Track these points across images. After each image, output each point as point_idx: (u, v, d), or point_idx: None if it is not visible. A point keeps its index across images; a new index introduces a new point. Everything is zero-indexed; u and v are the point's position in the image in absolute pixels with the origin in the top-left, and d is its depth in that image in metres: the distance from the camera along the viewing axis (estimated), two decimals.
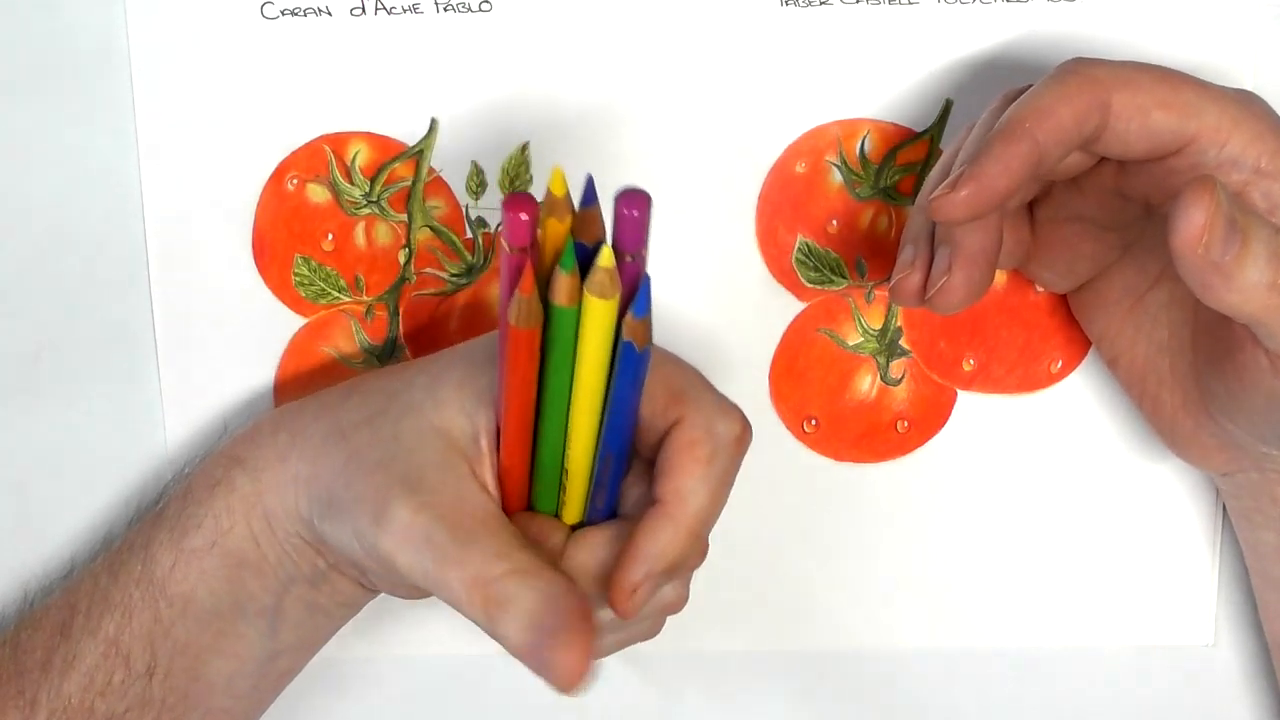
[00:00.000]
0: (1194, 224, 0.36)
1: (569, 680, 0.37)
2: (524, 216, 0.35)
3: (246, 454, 0.44)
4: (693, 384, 0.41)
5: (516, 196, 0.35)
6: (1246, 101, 0.40)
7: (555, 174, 0.36)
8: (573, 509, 0.42)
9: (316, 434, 0.43)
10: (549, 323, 0.37)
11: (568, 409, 0.39)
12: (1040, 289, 0.48)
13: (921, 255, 0.42)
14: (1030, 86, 0.41)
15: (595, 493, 0.41)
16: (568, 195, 0.36)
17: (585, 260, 0.36)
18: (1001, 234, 0.42)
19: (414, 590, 0.42)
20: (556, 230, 0.36)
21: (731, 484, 0.41)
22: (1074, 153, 0.41)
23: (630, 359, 0.37)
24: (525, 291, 0.36)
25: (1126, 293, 0.45)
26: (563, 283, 0.36)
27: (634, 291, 0.36)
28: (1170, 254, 0.37)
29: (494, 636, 0.38)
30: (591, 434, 0.39)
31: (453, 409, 0.41)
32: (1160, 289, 0.44)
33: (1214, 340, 0.42)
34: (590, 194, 0.36)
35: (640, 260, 0.36)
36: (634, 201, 0.35)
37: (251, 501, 0.43)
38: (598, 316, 0.36)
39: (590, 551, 0.41)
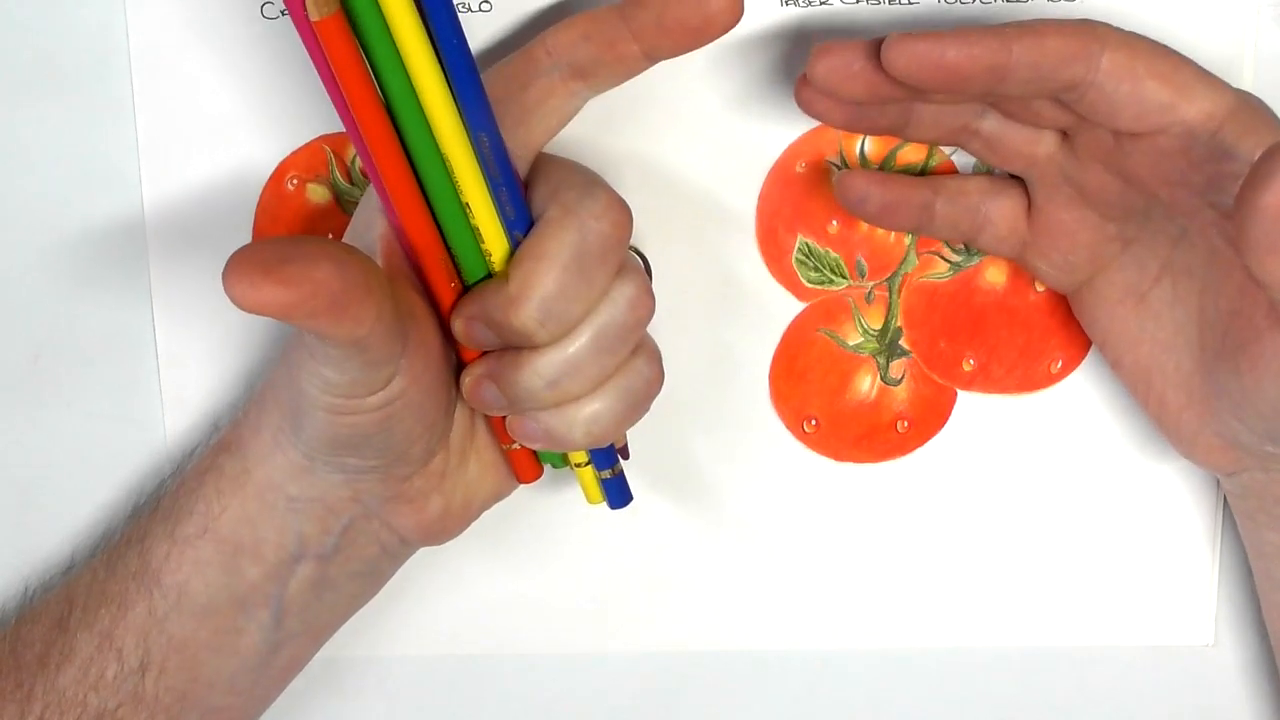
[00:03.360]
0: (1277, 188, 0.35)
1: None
2: None
3: (230, 437, 0.44)
4: (576, 177, 0.41)
5: None
6: (1244, 96, 0.40)
7: None
8: (496, 248, 0.41)
9: (270, 383, 0.43)
10: (348, 10, 0.36)
11: (421, 121, 0.38)
12: (1040, 288, 0.48)
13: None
14: None
15: (498, 198, 0.40)
16: None
17: None
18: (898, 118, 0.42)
19: (418, 471, 0.43)
20: None
21: (589, 271, 0.40)
22: (1064, 114, 0.41)
23: (438, 6, 0.36)
24: None
25: (1128, 292, 0.45)
26: None
27: None
28: (1244, 212, 0.36)
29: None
30: (457, 131, 0.38)
31: (349, 235, 0.42)
32: (1162, 287, 0.44)
33: (1226, 334, 0.42)
34: None
35: None
36: None
37: (241, 481, 0.43)
38: None
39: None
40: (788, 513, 0.50)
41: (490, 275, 0.42)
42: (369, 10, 0.36)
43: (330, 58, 0.36)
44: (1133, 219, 0.44)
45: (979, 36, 0.39)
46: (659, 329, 0.47)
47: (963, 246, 0.48)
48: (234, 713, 0.46)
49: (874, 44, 0.40)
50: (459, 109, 0.38)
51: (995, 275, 0.48)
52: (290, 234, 0.48)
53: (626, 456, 0.47)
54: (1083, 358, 0.49)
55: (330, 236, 0.48)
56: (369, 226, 0.42)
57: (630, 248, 0.43)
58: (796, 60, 0.46)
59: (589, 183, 0.41)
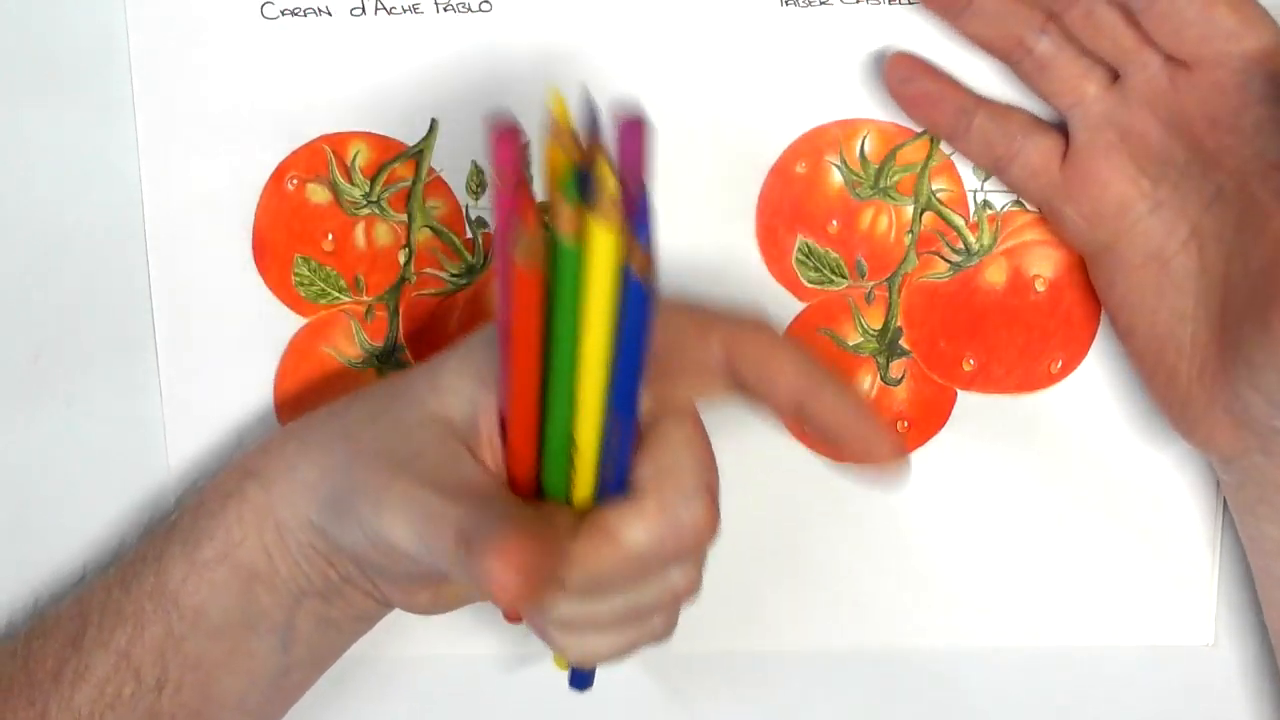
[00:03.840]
0: None
1: (498, 586, 0.34)
2: (511, 140, 0.33)
3: (258, 466, 0.44)
4: (688, 474, 0.40)
5: (503, 123, 0.33)
6: None
7: (554, 97, 0.34)
8: (583, 488, 0.40)
9: (323, 439, 0.43)
10: (550, 263, 0.35)
11: (573, 370, 0.37)
12: (1040, 288, 0.48)
13: None
14: None
15: (604, 467, 0.39)
16: (569, 121, 0.34)
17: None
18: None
19: (422, 587, 0.42)
20: (557, 159, 0.33)
21: (649, 569, 0.40)
22: (1126, 35, 0.41)
23: (637, 296, 0.35)
24: (528, 222, 0.33)
25: (1151, 257, 0.44)
26: (564, 209, 0.33)
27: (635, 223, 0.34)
28: None
29: (470, 577, 0.36)
30: (599, 393, 0.37)
31: (450, 393, 0.41)
32: (1188, 254, 0.43)
33: (1255, 292, 0.41)
34: (589, 118, 0.34)
35: (641, 189, 0.34)
36: (632, 127, 0.33)
37: (264, 513, 0.43)
38: (602, 248, 0.33)
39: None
40: (788, 513, 0.50)
41: (565, 499, 0.40)
42: (569, 277, 0.35)
43: (515, 302, 0.35)
44: (1169, 176, 0.43)
45: None
46: None
47: (969, 237, 0.48)
48: None
49: None
50: (609, 391, 0.37)
51: (995, 275, 0.48)
52: (289, 233, 0.48)
53: (590, 685, 0.48)
54: (1083, 358, 0.49)
55: (330, 237, 0.48)
56: (475, 393, 0.40)
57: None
58: (796, 60, 0.46)
59: (696, 486, 0.39)
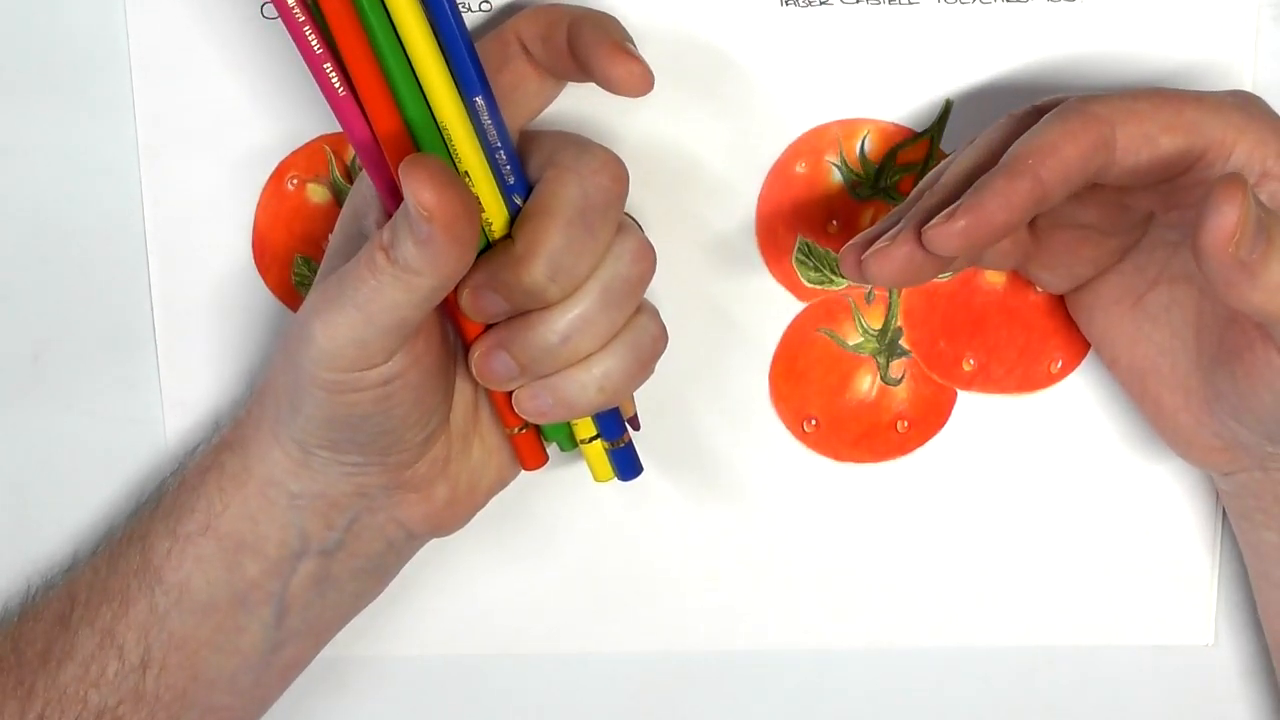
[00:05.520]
0: (1227, 222, 0.36)
1: (416, 195, 0.37)
2: None
3: (233, 437, 0.44)
4: (569, 139, 0.42)
5: None
6: (1246, 105, 0.40)
7: None
8: (496, 217, 0.41)
9: (268, 370, 0.44)
10: None
11: (414, 83, 0.39)
12: (1039, 289, 0.48)
13: (878, 233, 0.41)
14: (1033, 106, 0.41)
15: (495, 164, 0.41)
16: None
17: None
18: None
19: (425, 459, 0.43)
20: None
21: (593, 225, 0.41)
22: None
23: None
24: None
25: (1125, 293, 0.45)
26: None
27: None
28: (1195, 251, 0.37)
29: (409, 229, 0.38)
30: (448, 83, 0.39)
31: (349, 212, 0.43)
32: (1159, 290, 0.44)
33: (1221, 340, 0.42)
34: None
35: None
36: None
37: (242, 479, 0.43)
38: None
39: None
40: (788, 513, 0.50)
41: (491, 245, 0.42)
42: None
43: (331, 25, 0.37)
44: (1137, 227, 0.44)
45: (1008, 184, 0.38)
46: None
47: None
48: (234, 712, 0.46)
49: (912, 229, 0.39)
50: (454, 76, 0.39)
51: (995, 275, 0.48)
52: (289, 233, 0.48)
53: (637, 427, 0.46)
54: (1083, 358, 0.49)
55: (330, 236, 0.48)
56: (364, 214, 0.42)
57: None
58: (796, 60, 0.46)
59: (583, 142, 0.42)
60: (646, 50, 0.46)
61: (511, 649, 0.51)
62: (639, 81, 0.41)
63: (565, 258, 0.40)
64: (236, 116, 0.47)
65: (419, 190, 0.36)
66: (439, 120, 0.39)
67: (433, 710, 0.52)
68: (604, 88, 0.41)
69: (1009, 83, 0.46)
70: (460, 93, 0.39)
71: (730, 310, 0.48)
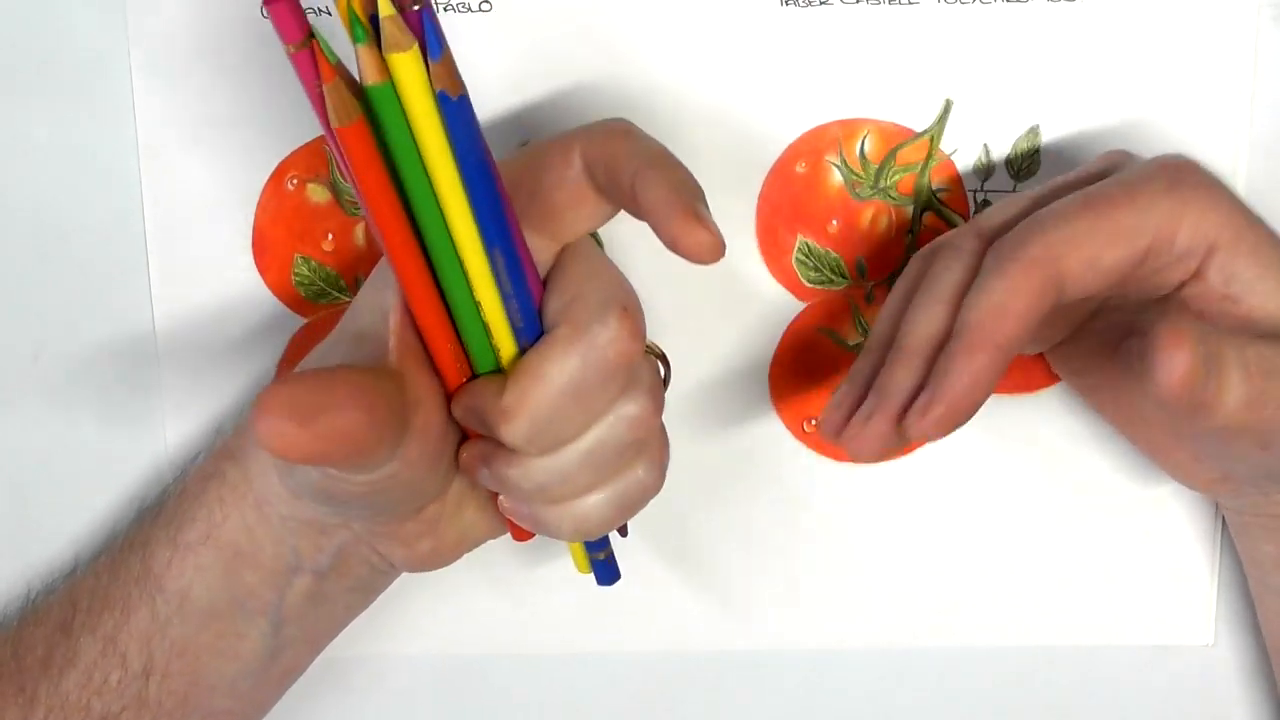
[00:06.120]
0: (1178, 372, 0.36)
1: (262, 431, 0.35)
2: (286, 4, 0.34)
3: (235, 446, 0.44)
4: (594, 293, 0.40)
5: None
6: (1175, 184, 0.40)
7: None
8: (505, 347, 0.40)
9: None
10: (370, 112, 0.35)
11: (438, 215, 0.37)
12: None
13: (855, 396, 0.41)
14: (947, 234, 0.42)
15: (508, 308, 0.39)
16: None
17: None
18: None
19: (414, 525, 0.42)
20: (343, 8, 0.34)
21: (587, 398, 0.39)
22: None
23: (450, 110, 0.35)
24: (328, 79, 0.34)
25: (1102, 344, 0.45)
26: (362, 55, 0.34)
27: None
28: (1153, 393, 0.37)
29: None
30: (470, 227, 0.38)
31: (362, 310, 0.41)
32: (1134, 340, 0.44)
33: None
34: None
35: (421, 9, 0.34)
36: None
37: (242, 491, 0.43)
38: (409, 75, 0.35)
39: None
40: (788, 513, 0.50)
41: (498, 369, 0.41)
42: (393, 120, 0.36)
43: (351, 162, 0.36)
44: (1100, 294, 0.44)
45: (970, 362, 0.38)
46: (660, 329, 0.47)
47: None
48: (234, 715, 0.46)
49: (887, 415, 0.39)
50: (476, 223, 0.38)
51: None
52: (289, 233, 0.48)
53: (624, 534, 0.47)
54: None
55: (330, 237, 0.48)
56: (382, 298, 0.41)
57: (649, 347, 0.42)
58: (796, 60, 0.46)
59: (604, 302, 0.39)
60: (646, 49, 0.47)
61: (511, 649, 0.51)
62: (709, 253, 0.38)
63: (550, 425, 0.39)
64: (236, 116, 0.47)
65: (257, 432, 0.35)
66: (459, 257, 0.38)
67: (433, 710, 0.52)
68: (668, 247, 0.39)
69: (1009, 83, 0.46)
70: (481, 239, 0.38)
71: (730, 310, 0.48)
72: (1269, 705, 0.51)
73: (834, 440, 0.41)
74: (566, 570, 0.50)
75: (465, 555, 0.49)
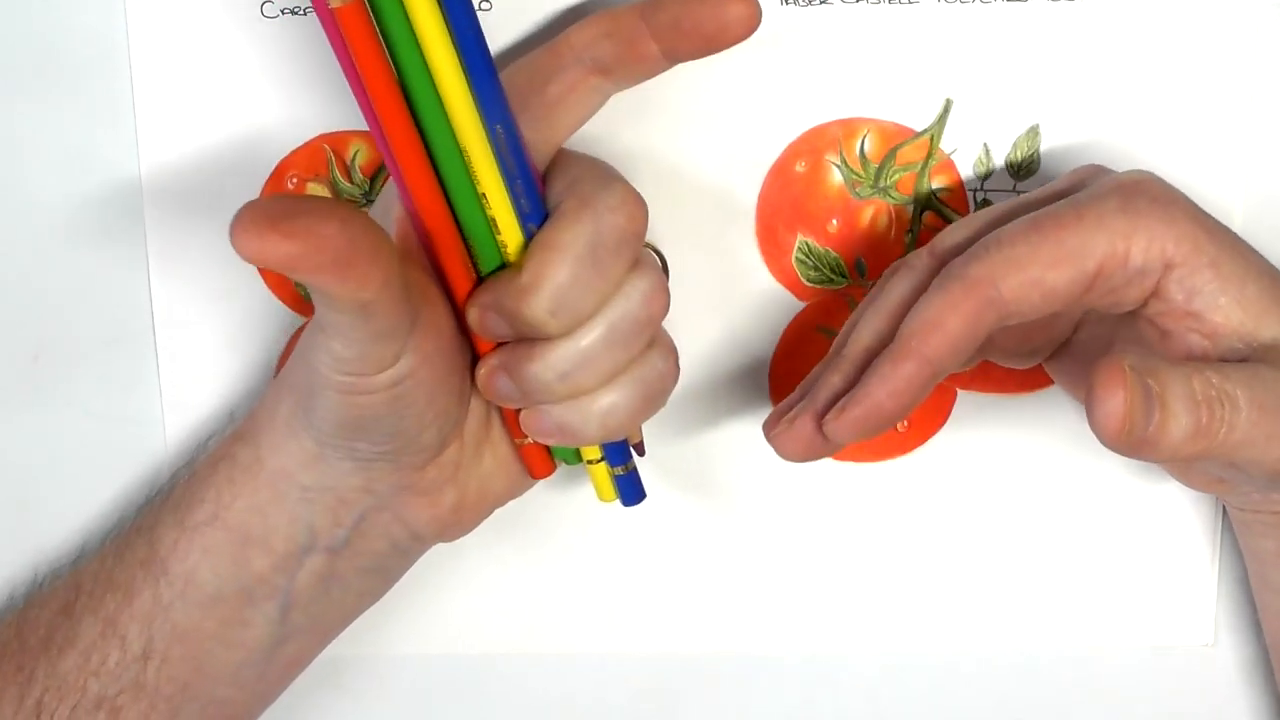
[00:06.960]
0: (1114, 416, 0.36)
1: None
2: None
3: (245, 427, 0.44)
4: (593, 170, 0.41)
5: None
6: (1129, 202, 0.40)
7: None
8: (511, 239, 0.41)
9: (289, 367, 0.44)
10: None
11: (436, 99, 0.38)
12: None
13: (797, 400, 0.42)
14: (930, 250, 0.42)
15: (513, 190, 0.40)
16: None
17: None
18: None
19: (434, 461, 0.43)
20: None
21: (603, 263, 0.40)
22: None
23: None
24: None
25: (1091, 354, 0.45)
26: None
27: None
28: (1094, 432, 0.37)
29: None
30: (471, 113, 0.38)
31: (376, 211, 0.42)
32: (1118, 349, 0.44)
33: None
34: None
35: None
36: None
37: (254, 470, 0.43)
38: None
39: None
40: (788, 513, 0.50)
41: (505, 265, 0.41)
42: (389, 1, 0.36)
43: (350, 45, 0.36)
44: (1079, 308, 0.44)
45: (894, 370, 0.39)
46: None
47: None
48: (236, 707, 0.46)
49: (811, 415, 0.40)
50: (476, 101, 0.39)
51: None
52: None
53: (642, 453, 0.46)
54: None
55: None
56: (386, 211, 0.42)
57: (647, 245, 0.43)
58: (796, 60, 0.46)
59: (606, 176, 0.41)
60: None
61: (512, 649, 0.51)
62: (747, 23, 0.39)
63: (570, 294, 0.40)
64: (236, 116, 0.47)
65: (235, 245, 0.35)
66: (460, 144, 0.39)
67: (433, 710, 0.52)
68: (700, 47, 0.40)
69: (1009, 83, 0.46)
70: (481, 118, 0.39)
71: (730, 310, 0.48)
72: (1269, 705, 0.51)
73: (766, 439, 0.42)
74: (567, 570, 0.50)
75: (466, 555, 0.49)
